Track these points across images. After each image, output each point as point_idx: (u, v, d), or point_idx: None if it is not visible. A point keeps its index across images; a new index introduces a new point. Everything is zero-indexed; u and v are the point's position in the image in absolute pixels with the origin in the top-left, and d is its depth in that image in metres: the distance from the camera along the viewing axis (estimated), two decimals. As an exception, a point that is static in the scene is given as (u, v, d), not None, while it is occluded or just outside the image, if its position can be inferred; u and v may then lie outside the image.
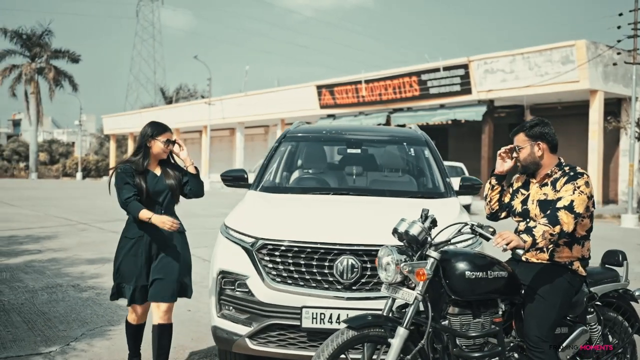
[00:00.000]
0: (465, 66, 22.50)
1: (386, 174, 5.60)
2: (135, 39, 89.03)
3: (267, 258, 3.92)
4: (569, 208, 3.24)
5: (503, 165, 3.65)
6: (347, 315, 3.73)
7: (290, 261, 3.86)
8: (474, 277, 3.16)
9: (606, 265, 3.86)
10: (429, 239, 3.26)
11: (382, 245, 3.34)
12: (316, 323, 3.77)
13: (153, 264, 3.93)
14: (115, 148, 52.76)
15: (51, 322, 5.29)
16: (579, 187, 3.31)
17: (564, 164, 3.53)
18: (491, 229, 3.19)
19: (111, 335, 4.95)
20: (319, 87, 28.85)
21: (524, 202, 3.60)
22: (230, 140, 41.98)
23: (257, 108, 33.19)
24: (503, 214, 3.75)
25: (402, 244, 3.32)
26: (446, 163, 20.73)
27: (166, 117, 42.63)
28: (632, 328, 3.78)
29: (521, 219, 3.56)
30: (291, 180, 5.60)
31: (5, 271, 7.47)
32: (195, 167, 4.12)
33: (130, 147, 49.47)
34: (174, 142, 4.04)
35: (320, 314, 3.78)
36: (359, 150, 5.61)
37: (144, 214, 3.83)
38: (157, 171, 4.03)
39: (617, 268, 3.82)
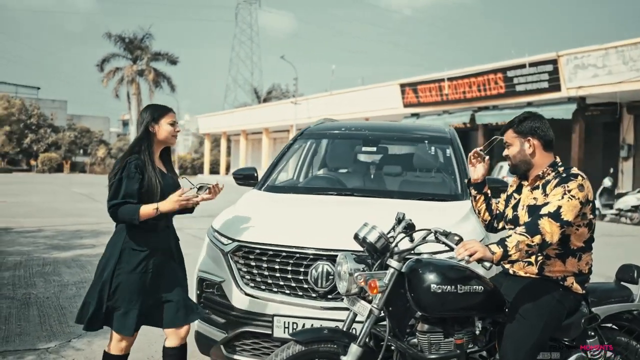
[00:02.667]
0: (554, 61, 21.23)
1: (400, 173, 5.24)
2: (233, 41, 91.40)
3: (241, 261, 3.72)
4: (554, 215, 2.81)
5: (475, 172, 3.26)
6: (321, 326, 3.47)
7: (265, 265, 3.65)
8: (440, 291, 2.81)
9: (621, 282, 3.35)
10: (391, 246, 2.94)
11: (361, 251, 3.07)
12: (288, 333, 3.51)
13: (160, 281, 3.35)
14: (211, 148, 54.52)
15: (65, 317, 5.34)
16: (569, 191, 2.87)
17: (559, 163, 3.09)
18: (457, 238, 2.83)
19: (114, 334, 4.90)
20: (402, 86, 28.29)
21: (515, 207, 3.20)
22: (318, 140, 42.11)
23: (341, 107, 33.06)
24: (501, 224, 3.35)
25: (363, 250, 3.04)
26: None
27: (256, 116, 43.53)
28: (650, 355, 3.25)
29: (513, 227, 3.15)
30: (300, 179, 5.37)
31: (51, 265, 7.71)
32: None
33: (223, 146, 50.92)
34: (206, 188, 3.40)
35: (293, 323, 3.54)
36: (374, 149, 5.29)
37: (146, 208, 3.22)
38: (161, 167, 3.46)
39: (632, 286, 3.30)
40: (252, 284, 3.66)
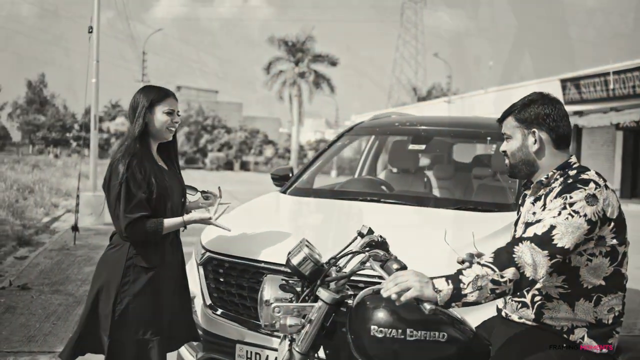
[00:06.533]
0: None
1: (447, 176, 4.39)
2: (398, 41, 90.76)
3: (211, 276, 3.23)
4: (542, 239, 1.97)
5: None
6: (285, 359, 2.86)
7: (234, 282, 3.11)
8: (381, 335, 2.09)
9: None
10: (325, 271, 2.27)
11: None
12: None
13: (172, 302, 2.91)
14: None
15: (104, 318, 5.19)
16: (571, 205, 2.00)
17: (573, 165, 2.18)
18: (396, 266, 2.09)
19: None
20: (563, 81, 25.86)
21: (516, 223, 2.35)
22: (475, 140, 40.24)
23: (496, 106, 31.16)
24: None
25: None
26: None
27: (411, 116, 42.73)
28: None
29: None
30: (335, 181, 4.74)
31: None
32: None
33: (380, 146, 50.70)
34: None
35: (255, 353, 2.99)
36: (423, 147, 4.50)
37: (170, 222, 2.79)
38: (161, 163, 2.92)
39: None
40: (219, 303, 3.16)
